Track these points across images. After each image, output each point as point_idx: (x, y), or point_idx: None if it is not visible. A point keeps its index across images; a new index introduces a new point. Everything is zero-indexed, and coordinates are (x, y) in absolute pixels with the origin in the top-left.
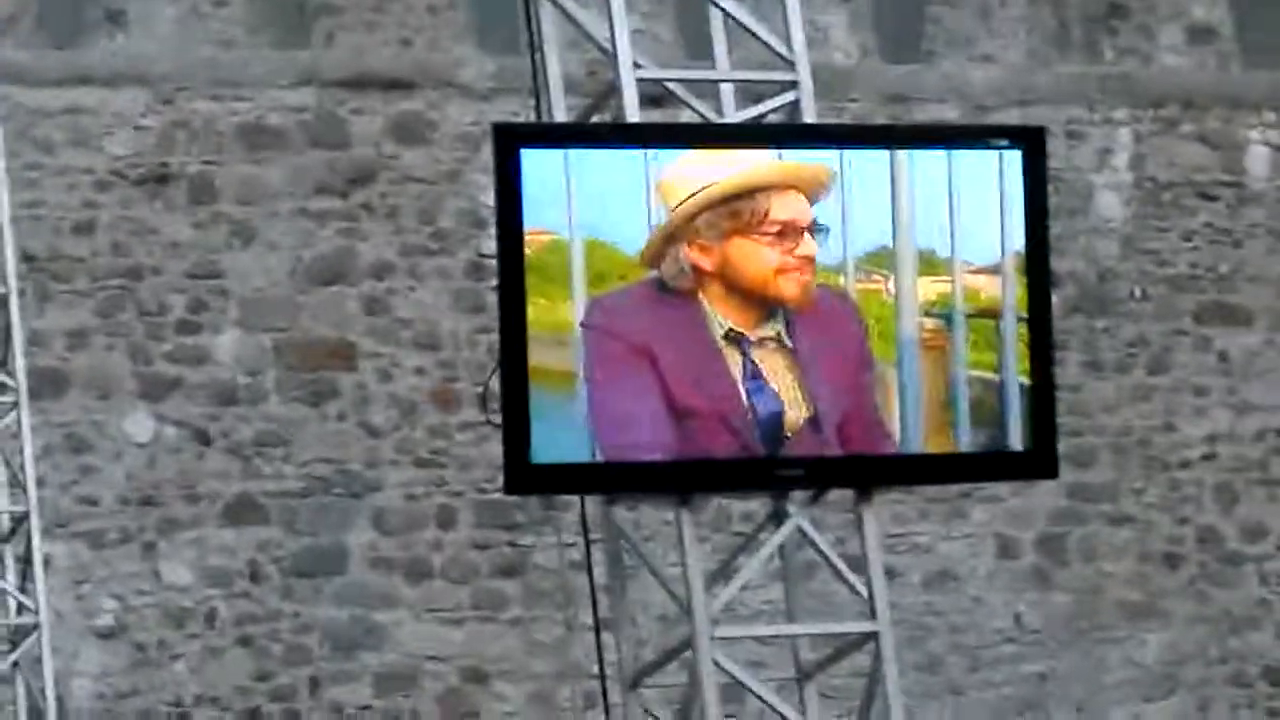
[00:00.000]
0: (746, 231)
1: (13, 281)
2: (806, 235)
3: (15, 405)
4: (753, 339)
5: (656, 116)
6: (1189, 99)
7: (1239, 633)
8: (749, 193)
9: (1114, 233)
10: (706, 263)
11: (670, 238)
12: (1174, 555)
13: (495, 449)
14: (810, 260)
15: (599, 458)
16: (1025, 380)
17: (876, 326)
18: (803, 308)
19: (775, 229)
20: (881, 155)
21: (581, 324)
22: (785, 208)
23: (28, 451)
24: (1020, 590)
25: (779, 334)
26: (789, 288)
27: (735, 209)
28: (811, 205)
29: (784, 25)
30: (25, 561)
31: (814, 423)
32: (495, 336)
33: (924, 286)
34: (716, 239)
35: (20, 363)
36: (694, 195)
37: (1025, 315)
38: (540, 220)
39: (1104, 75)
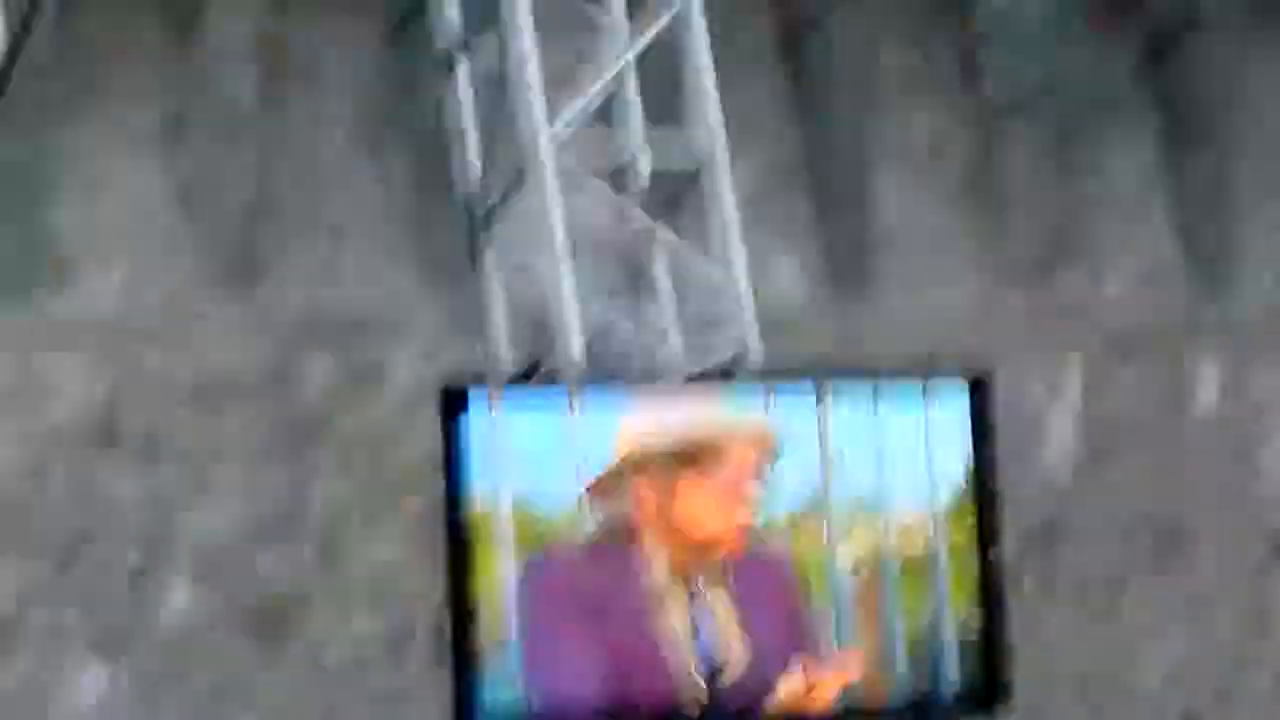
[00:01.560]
0: (696, 478)
1: None
2: (752, 487)
3: None
4: (698, 587)
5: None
6: (1136, 338)
7: None
8: (699, 444)
9: (1064, 469)
10: (652, 506)
11: (618, 476)
12: None
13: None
14: (752, 513)
15: (534, 711)
16: (969, 624)
17: (809, 578)
18: (742, 558)
19: (724, 480)
20: (810, 403)
21: (519, 581)
22: (732, 466)
23: None
24: None
25: (723, 582)
26: (732, 539)
27: (687, 456)
28: (759, 462)
29: (729, 271)
30: None
31: (757, 671)
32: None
33: (858, 535)
34: (666, 483)
35: None
36: (648, 439)
37: (970, 557)
38: (475, 488)
39: (1051, 314)
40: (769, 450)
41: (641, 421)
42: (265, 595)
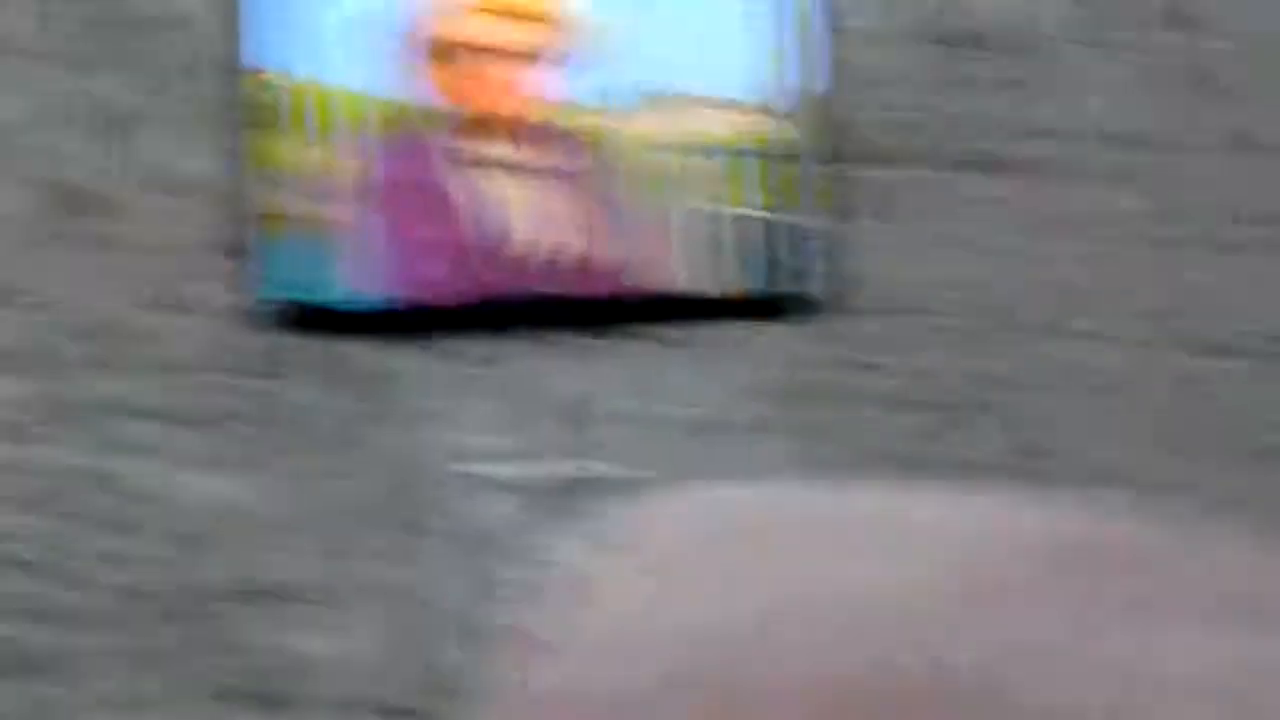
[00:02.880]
0: (447, 55)
1: None
2: (505, 63)
3: None
4: (479, 161)
5: None
6: None
7: None
8: (441, 14)
9: (888, 79)
10: (433, 89)
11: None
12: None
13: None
14: (505, 88)
15: (349, 298)
16: (777, 220)
17: (618, 167)
18: (527, 133)
19: (474, 53)
20: None
21: (337, 169)
22: (474, 30)
23: None
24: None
25: (510, 158)
26: (506, 109)
27: (455, 31)
28: (532, 37)
29: None
30: None
31: (554, 254)
32: (240, 177)
33: (668, 123)
34: (442, 57)
35: None
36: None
37: (779, 152)
38: (281, 65)
39: None
40: (534, 21)
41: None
42: (58, 190)
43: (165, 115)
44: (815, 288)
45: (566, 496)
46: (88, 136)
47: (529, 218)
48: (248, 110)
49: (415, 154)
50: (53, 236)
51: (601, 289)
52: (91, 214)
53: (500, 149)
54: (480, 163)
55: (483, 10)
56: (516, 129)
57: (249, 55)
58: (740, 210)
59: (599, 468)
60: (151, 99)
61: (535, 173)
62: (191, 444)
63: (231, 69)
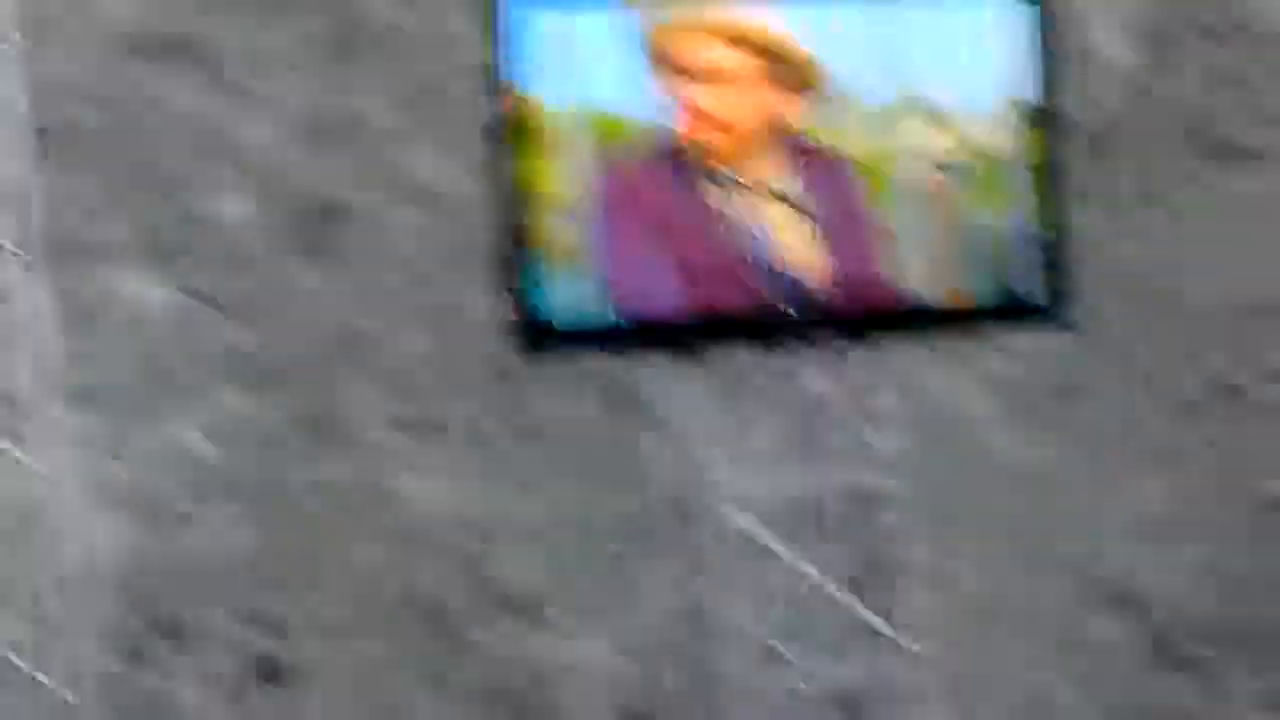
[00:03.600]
0: (680, 77)
1: (28, 154)
2: (778, 86)
3: (30, 272)
4: (751, 186)
5: None
6: None
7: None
8: (674, 40)
9: (1121, 77)
10: (690, 106)
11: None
12: (1190, 403)
13: (507, 312)
14: (781, 118)
15: (612, 318)
16: (1037, 228)
17: (876, 181)
18: (794, 160)
19: (689, 75)
20: (880, 9)
21: (593, 191)
22: (699, 55)
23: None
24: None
25: (780, 184)
26: (757, 131)
27: (669, 55)
28: (793, 73)
29: None
30: (41, 430)
31: (825, 271)
32: (505, 201)
33: (925, 138)
34: (688, 81)
35: (35, 234)
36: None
37: (1034, 162)
38: (539, 88)
39: None
40: (765, 50)
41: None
42: (314, 203)
43: (424, 133)
44: (1066, 288)
45: (830, 506)
46: (346, 153)
47: (785, 234)
48: (505, 130)
49: (670, 175)
50: (310, 251)
51: (859, 299)
52: (349, 229)
53: (753, 169)
54: (735, 183)
55: (732, 38)
56: (768, 149)
57: (508, 76)
58: (988, 217)
59: (868, 477)
60: (410, 116)
61: (788, 190)
62: (445, 456)
63: (491, 89)
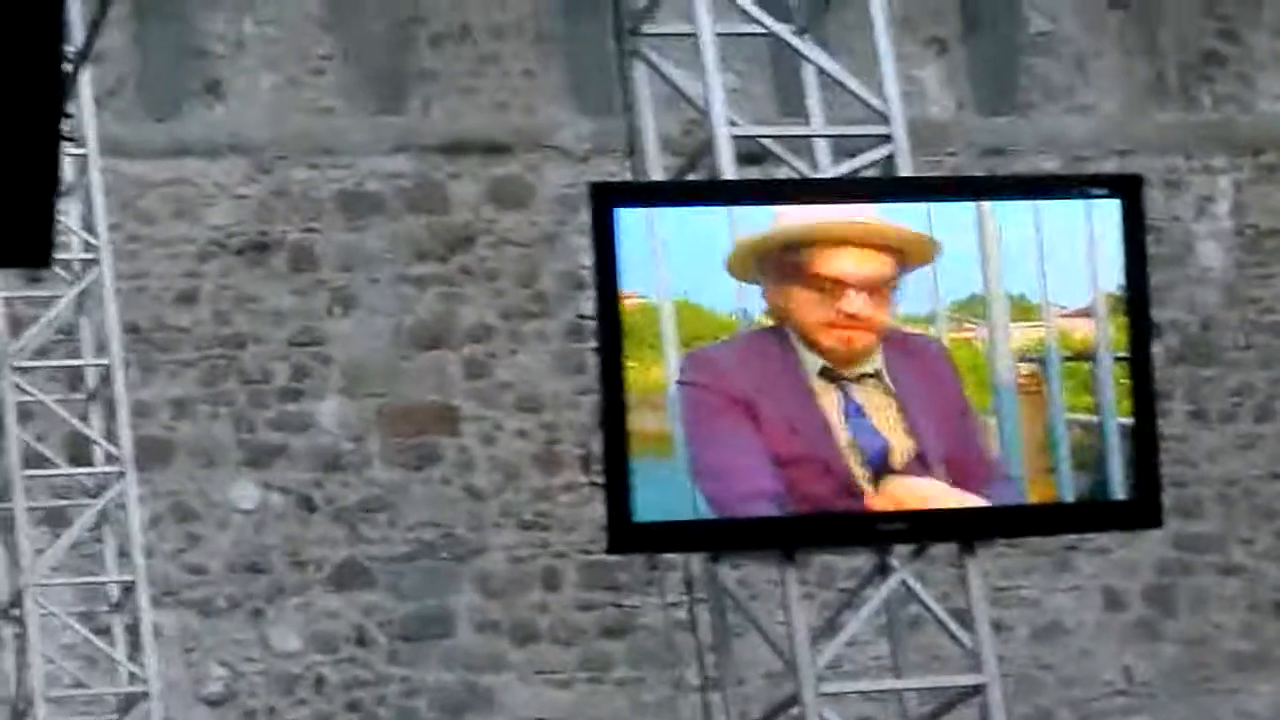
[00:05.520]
0: (796, 282)
1: (117, 351)
2: (853, 293)
3: (122, 475)
4: (851, 376)
5: (754, 173)
6: None
7: None
8: (795, 245)
9: (1215, 281)
10: (781, 300)
11: (745, 263)
12: None
13: (598, 510)
14: (855, 317)
15: (702, 515)
16: (1126, 423)
17: (971, 374)
18: (850, 363)
19: (821, 284)
20: (969, 206)
21: (678, 381)
22: (831, 264)
23: (134, 521)
24: (1129, 642)
25: (878, 371)
26: (830, 342)
27: (785, 259)
28: (901, 267)
29: (879, 79)
30: (133, 631)
31: (921, 458)
32: (595, 397)
33: (1017, 332)
34: (778, 284)
35: (126, 433)
36: (757, 238)
37: (1124, 356)
38: (632, 283)
39: (1202, 123)
40: (889, 250)
41: (783, 220)
42: (414, 408)
43: (517, 331)
44: (1156, 488)
45: (938, 706)
46: (445, 356)
47: (883, 429)
48: (600, 328)
49: (767, 369)
50: (404, 452)
51: (957, 499)
52: (448, 432)
53: (848, 363)
54: (830, 377)
55: (835, 240)
56: (863, 346)
57: (608, 277)
58: (1085, 415)
59: (964, 679)
60: (501, 315)
61: (884, 384)
62: (538, 656)
63: (592, 289)
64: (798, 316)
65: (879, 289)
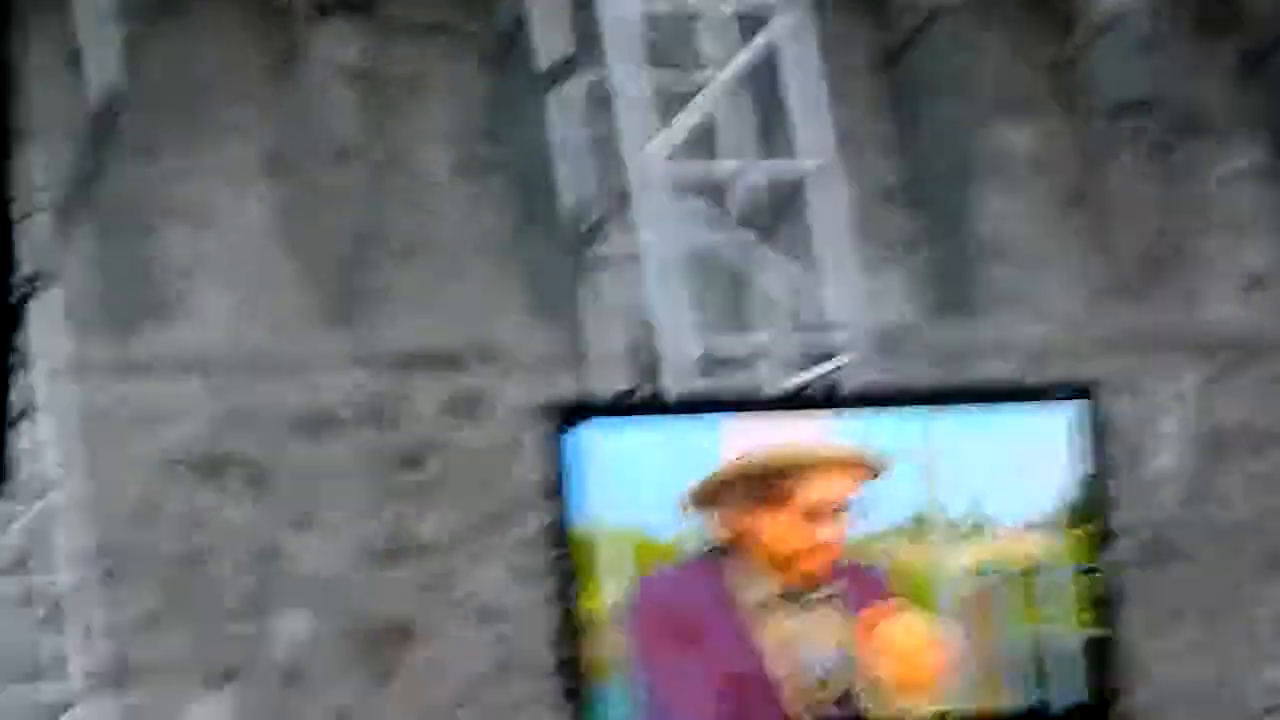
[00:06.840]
0: (770, 506)
1: (77, 569)
2: (835, 516)
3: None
4: (814, 597)
5: (709, 383)
6: (1244, 345)
7: None
8: (779, 471)
9: (1173, 483)
10: (742, 525)
11: (712, 494)
12: None
13: None
14: (835, 542)
15: None
16: (1083, 634)
17: (917, 591)
18: (842, 573)
19: (806, 509)
20: (917, 421)
21: (629, 606)
22: (815, 490)
23: None
24: None
25: (841, 593)
26: (800, 564)
27: (765, 485)
28: (848, 484)
29: (833, 287)
30: None
31: (869, 682)
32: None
33: (968, 548)
34: (747, 509)
35: (87, 655)
36: (740, 464)
37: (1080, 566)
38: (585, 505)
39: (1159, 324)
40: (863, 471)
41: (740, 442)
42: (375, 622)
43: (479, 549)
44: (1113, 694)
45: None
46: (405, 572)
47: (834, 649)
48: (557, 549)
49: (705, 590)
50: (368, 667)
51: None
52: (408, 646)
53: (800, 587)
54: (783, 599)
55: (822, 465)
56: (817, 568)
57: (560, 494)
58: (1041, 626)
59: None
60: (463, 533)
61: (836, 605)
62: None
63: (547, 512)
64: (765, 540)
65: (844, 509)
